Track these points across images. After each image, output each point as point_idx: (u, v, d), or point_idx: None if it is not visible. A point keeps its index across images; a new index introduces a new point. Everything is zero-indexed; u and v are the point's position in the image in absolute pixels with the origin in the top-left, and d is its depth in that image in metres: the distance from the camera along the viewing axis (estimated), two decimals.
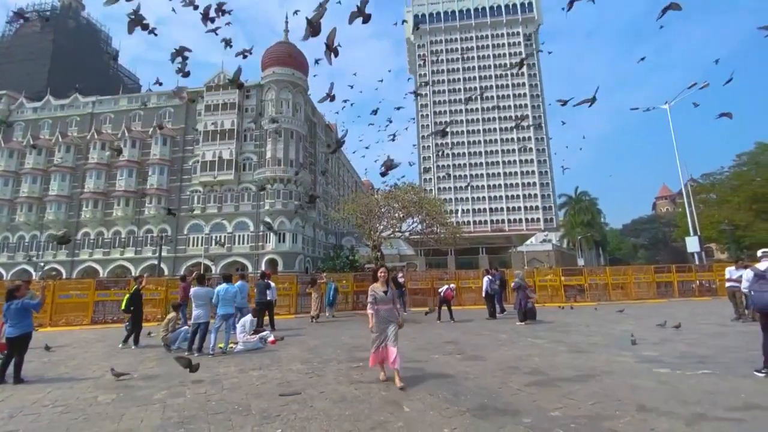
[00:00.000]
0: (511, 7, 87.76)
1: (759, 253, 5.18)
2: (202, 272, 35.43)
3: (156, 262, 40.02)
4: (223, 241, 40.71)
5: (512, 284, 11.55)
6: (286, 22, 49.03)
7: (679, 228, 45.70)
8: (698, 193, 42.67)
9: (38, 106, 49.44)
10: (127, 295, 9.17)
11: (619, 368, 5.49)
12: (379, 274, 5.36)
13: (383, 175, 10.53)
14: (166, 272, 39.42)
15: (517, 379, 5.05)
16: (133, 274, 40.59)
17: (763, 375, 4.80)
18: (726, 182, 39.53)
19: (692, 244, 24.67)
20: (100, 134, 45.74)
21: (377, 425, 3.59)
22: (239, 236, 42.04)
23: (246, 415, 3.97)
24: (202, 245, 41.73)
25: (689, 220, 25.54)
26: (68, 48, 63.09)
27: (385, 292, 5.18)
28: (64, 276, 40.26)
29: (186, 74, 9.35)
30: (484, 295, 12.85)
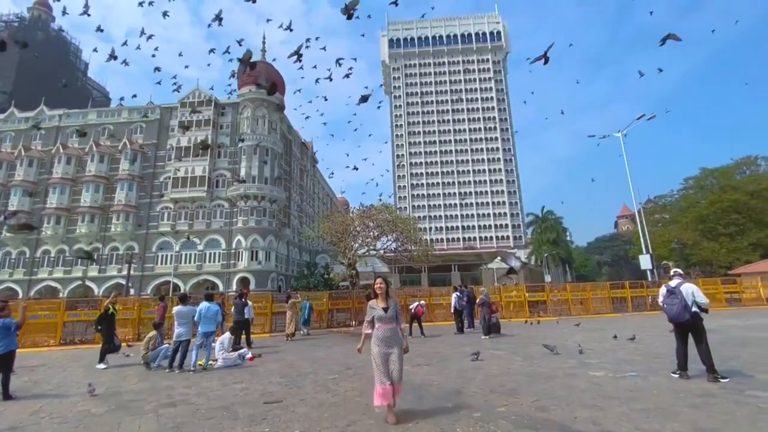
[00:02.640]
0: (480, 35, 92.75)
1: (671, 272, 6.21)
2: (169, 291, 34.54)
3: (121, 281, 38.64)
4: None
5: (478, 300, 12.40)
6: (264, 42, 49.89)
7: (635, 246, 48.67)
8: (652, 213, 45.95)
9: (1, 119, 47.49)
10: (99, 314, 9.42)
11: (562, 373, 6.32)
12: (376, 287, 4.50)
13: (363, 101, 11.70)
14: (132, 292, 38.10)
15: (474, 384, 5.77)
16: (96, 293, 38.96)
17: (677, 376, 5.73)
18: (676, 204, 42.90)
19: (645, 261, 26.59)
20: (65, 148, 44.31)
21: (351, 423, 4.18)
22: (210, 254, 41.30)
23: (235, 419, 4.46)
24: (171, 263, 40.66)
25: (642, 239, 27.57)
26: (35, 60, 61.21)
27: (386, 309, 4.34)
28: (20, 296, 38.08)
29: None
30: (452, 311, 13.62)
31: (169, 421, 4.48)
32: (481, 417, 4.21)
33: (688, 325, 5.67)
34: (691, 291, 5.68)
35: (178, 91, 28.56)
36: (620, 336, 10.11)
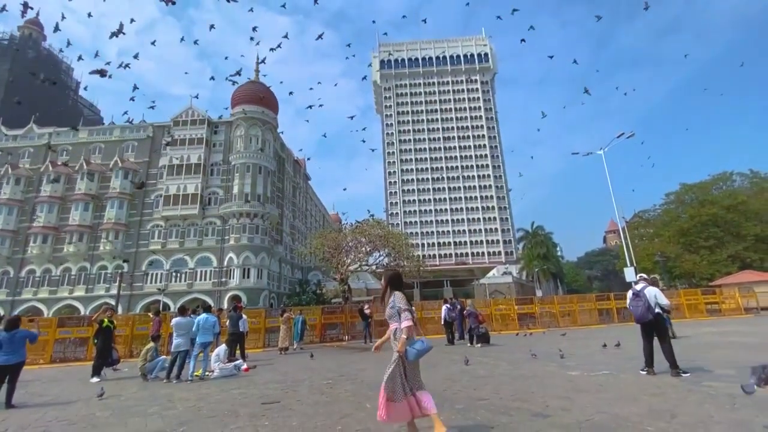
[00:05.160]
0: (469, 57, 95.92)
1: (636, 277, 6.77)
2: (159, 310, 34.34)
3: (109, 300, 38.09)
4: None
5: (465, 311, 12.90)
6: (257, 62, 50.97)
7: (621, 260, 49.68)
8: (636, 227, 47.20)
9: None
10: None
11: (542, 373, 6.76)
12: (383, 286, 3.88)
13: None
14: (120, 311, 37.55)
15: (460, 384, 6.17)
16: (82, 313, 38.28)
17: (644, 373, 6.22)
18: (659, 218, 44.20)
19: (629, 274, 27.34)
20: (55, 166, 44.20)
21: (345, 416, 4.56)
22: (201, 272, 41.10)
23: (236, 417, 4.80)
24: (161, 282, 40.31)
25: (626, 252, 28.40)
26: (26, 78, 61.45)
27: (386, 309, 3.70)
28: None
29: None
30: (443, 322, 14.01)
31: (174, 420, 4.80)
32: (463, 408, 4.63)
33: (652, 325, 6.19)
34: (654, 294, 6.22)
35: (152, 108, 29.81)
36: (609, 343, 10.49)
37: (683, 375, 5.83)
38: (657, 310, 6.18)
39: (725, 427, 3.46)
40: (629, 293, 6.62)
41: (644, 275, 6.77)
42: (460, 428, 3.88)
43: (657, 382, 5.58)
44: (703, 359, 7.34)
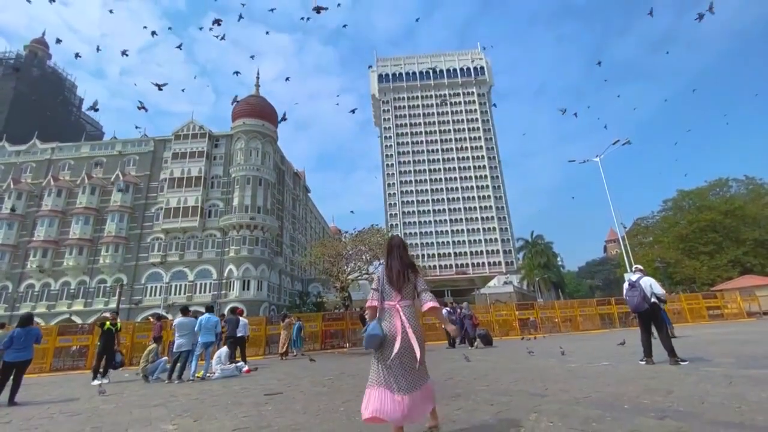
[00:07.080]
0: (465, 70, 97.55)
1: (632, 269, 6.86)
2: (160, 314, 34.02)
3: (107, 314, 37.87)
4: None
5: (460, 313, 13.06)
6: (257, 77, 51.82)
7: (621, 267, 49.61)
8: (636, 234, 47.28)
9: None
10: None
11: (542, 366, 6.80)
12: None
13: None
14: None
15: (461, 375, 6.22)
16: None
17: (643, 363, 6.26)
18: (658, 225, 44.35)
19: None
20: (56, 181, 44.49)
21: (346, 401, 4.62)
22: (201, 284, 40.94)
23: (240, 405, 4.84)
24: (160, 295, 40.14)
25: (625, 258, 28.45)
26: (30, 95, 62.41)
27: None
28: None
29: None
30: (443, 326, 14.05)
31: (178, 407, 4.84)
32: (463, 392, 4.68)
33: (649, 315, 6.26)
34: (649, 284, 6.31)
35: (146, 109, 28.99)
36: (612, 343, 10.47)
37: (682, 363, 5.88)
38: (653, 299, 6.27)
39: (720, 399, 3.53)
40: (625, 285, 6.72)
41: (639, 266, 6.87)
42: (461, 407, 3.94)
43: (655, 368, 5.64)
44: (703, 351, 7.38)
